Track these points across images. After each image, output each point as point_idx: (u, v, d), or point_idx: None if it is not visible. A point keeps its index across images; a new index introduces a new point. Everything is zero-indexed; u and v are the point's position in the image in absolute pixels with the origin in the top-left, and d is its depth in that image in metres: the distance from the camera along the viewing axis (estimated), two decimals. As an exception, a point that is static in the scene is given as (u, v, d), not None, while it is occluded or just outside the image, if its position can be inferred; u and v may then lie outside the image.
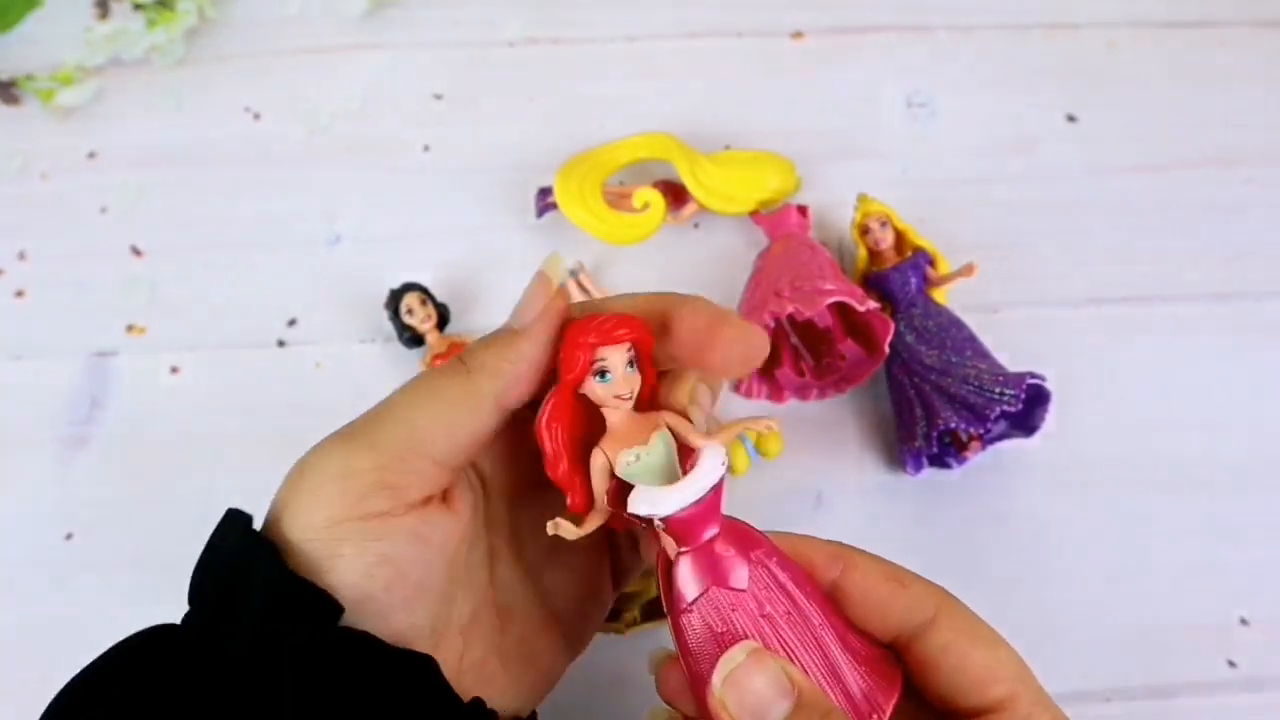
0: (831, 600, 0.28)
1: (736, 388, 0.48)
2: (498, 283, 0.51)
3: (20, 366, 0.49)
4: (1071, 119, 0.54)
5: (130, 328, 0.50)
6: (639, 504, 0.26)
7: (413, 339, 0.47)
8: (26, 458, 0.47)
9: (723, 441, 0.27)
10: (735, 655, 0.26)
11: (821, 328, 0.47)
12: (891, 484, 0.46)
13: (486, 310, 0.50)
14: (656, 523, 0.26)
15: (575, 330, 0.27)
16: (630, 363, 0.27)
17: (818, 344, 0.47)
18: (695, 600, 0.26)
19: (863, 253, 0.48)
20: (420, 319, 0.47)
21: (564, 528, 0.27)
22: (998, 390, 0.42)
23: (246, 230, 0.52)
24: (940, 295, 0.47)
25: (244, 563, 0.25)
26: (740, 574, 0.26)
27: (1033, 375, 0.42)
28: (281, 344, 0.49)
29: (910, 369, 0.45)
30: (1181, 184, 0.53)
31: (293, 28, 0.57)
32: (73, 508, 0.46)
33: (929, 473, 0.45)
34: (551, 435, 0.27)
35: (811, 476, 0.46)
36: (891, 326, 0.44)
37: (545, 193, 0.50)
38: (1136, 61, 0.56)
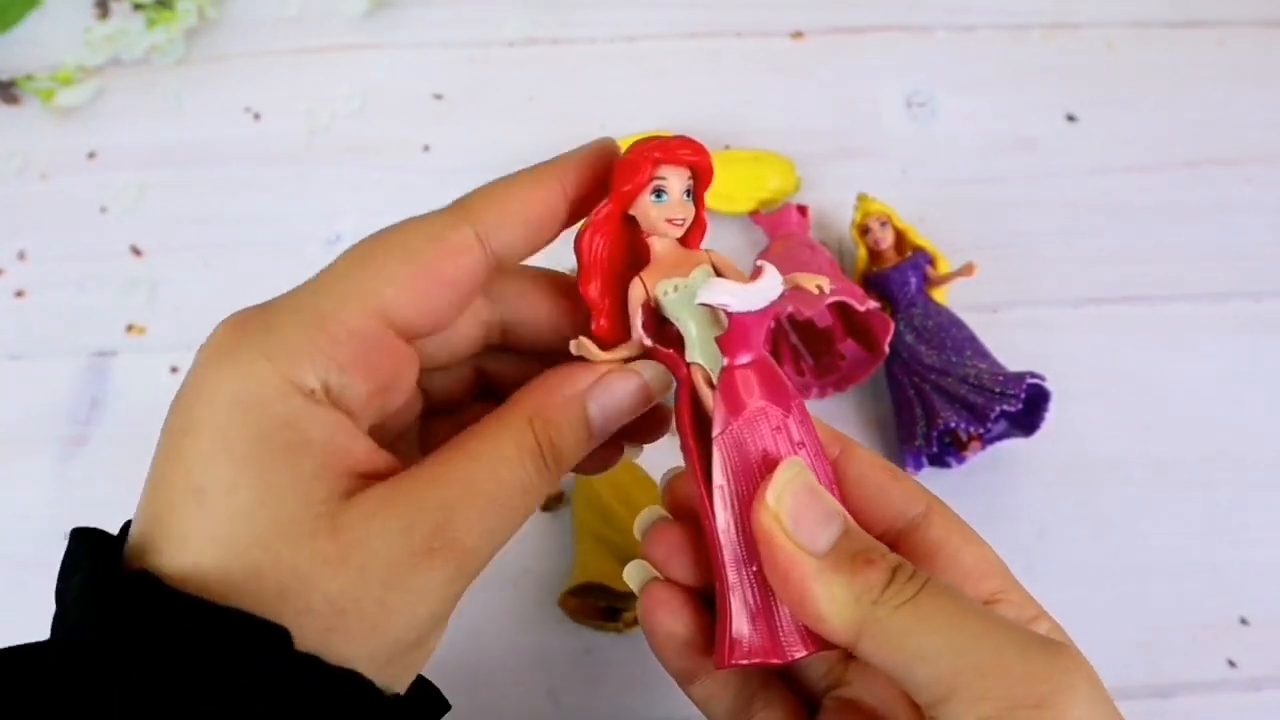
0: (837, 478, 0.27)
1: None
2: (498, 283, 0.51)
3: (20, 366, 0.49)
4: (1071, 119, 0.54)
5: (130, 328, 0.50)
6: (714, 293, 0.24)
7: (413, 339, 0.47)
8: (26, 458, 0.47)
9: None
10: (790, 472, 0.25)
11: (821, 328, 0.47)
12: (891, 484, 0.46)
13: (486, 310, 0.50)
14: (722, 317, 0.25)
15: (639, 146, 0.25)
16: (688, 191, 0.26)
17: (818, 344, 0.47)
18: (737, 419, 0.25)
19: (862, 253, 0.48)
20: (420, 319, 0.47)
21: (587, 347, 0.25)
22: (998, 390, 0.42)
23: (246, 230, 0.52)
24: (940, 295, 0.47)
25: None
26: (775, 411, 0.25)
27: (1033, 375, 0.42)
28: (281, 344, 0.49)
29: (910, 369, 0.45)
30: (1181, 184, 0.53)
31: (293, 28, 0.57)
32: (73, 508, 0.46)
33: (929, 472, 0.45)
34: (590, 249, 0.26)
35: (811, 476, 0.46)
36: (891, 326, 0.44)
37: None
38: (1136, 61, 0.56)
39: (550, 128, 0.54)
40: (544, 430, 0.24)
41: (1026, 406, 0.43)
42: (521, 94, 0.55)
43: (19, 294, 0.51)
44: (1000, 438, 0.45)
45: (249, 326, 0.22)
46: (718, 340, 0.25)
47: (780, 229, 0.49)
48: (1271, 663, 0.43)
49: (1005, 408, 0.42)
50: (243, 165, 0.53)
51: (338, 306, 0.22)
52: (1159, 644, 0.43)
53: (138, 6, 0.56)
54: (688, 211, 0.26)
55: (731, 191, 0.50)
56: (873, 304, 0.44)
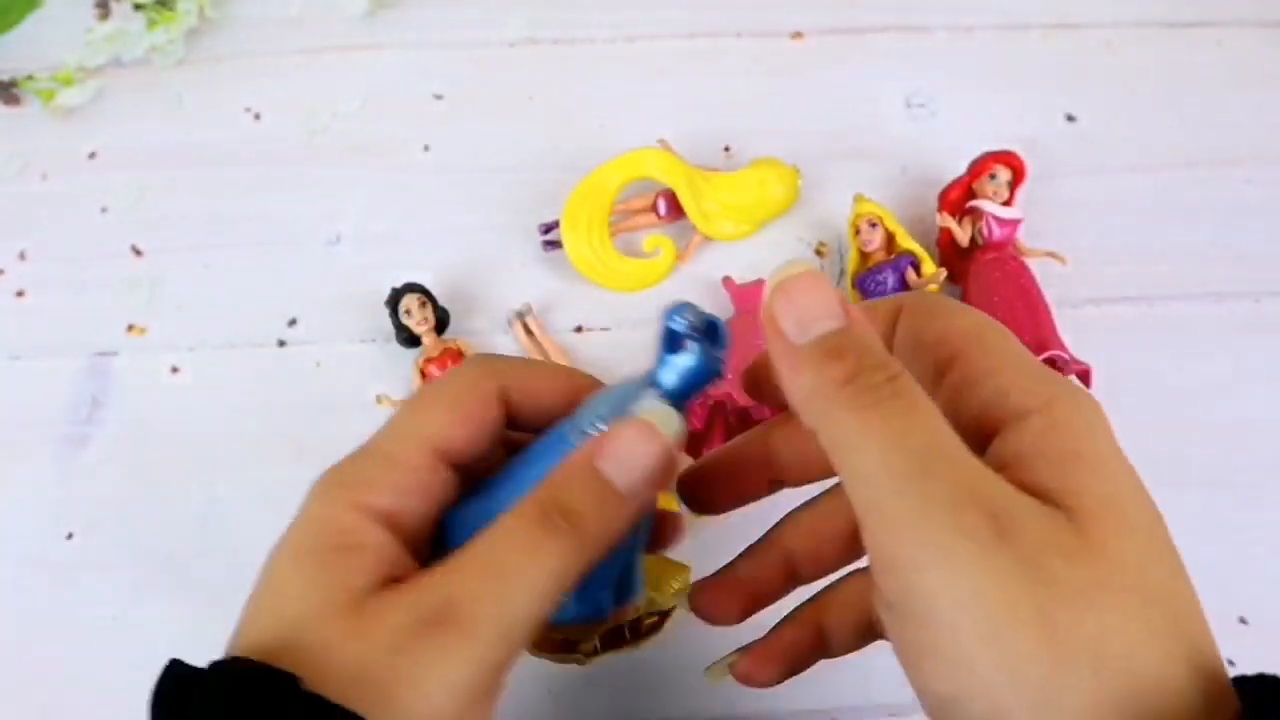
0: None
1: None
2: (497, 284, 0.51)
3: (20, 366, 0.49)
4: (1071, 119, 0.54)
5: (130, 328, 0.50)
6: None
7: (409, 339, 0.47)
8: (26, 458, 0.47)
9: None
10: (793, 267, 0.24)
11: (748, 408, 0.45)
12: (891, 484, 0.46)
13: (486, 312, 0.50)
14: None
15: None
16: None
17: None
18: None
19: (854, 254, 0.48)
20: (417, 320, 0.47)
21: None
22: None
23: (246, 230, 0.52)
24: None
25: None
26: None
27: None
28: (281, 344, 0.49)
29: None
30: (1181, 184, 0.53)
31: (292, 28, 0.57)
32: (73, 508, 0.46)
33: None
34: None
35: (811, 476, 0.46)
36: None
37: (549, 228, 0.50)
38: (1136, 61, 0.56)
39: (550, 128, 0.54)
40: (547, 493, 0.26)
41: None
42: (521, 94, 0.55)
43: (19, 294, 0.51)
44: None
45: (338, 468, 0.28)
46: None
47: (748, 303, 0.48)
48: (1271, 663, 0.42)
49: None
50: (243, 165, 0.54)
51: (401, 447, 0.28)
52: (1159, 644, 0.43)
53: (138, 7, 0.56)
54: None
55: (734, 219, 0.50)
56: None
